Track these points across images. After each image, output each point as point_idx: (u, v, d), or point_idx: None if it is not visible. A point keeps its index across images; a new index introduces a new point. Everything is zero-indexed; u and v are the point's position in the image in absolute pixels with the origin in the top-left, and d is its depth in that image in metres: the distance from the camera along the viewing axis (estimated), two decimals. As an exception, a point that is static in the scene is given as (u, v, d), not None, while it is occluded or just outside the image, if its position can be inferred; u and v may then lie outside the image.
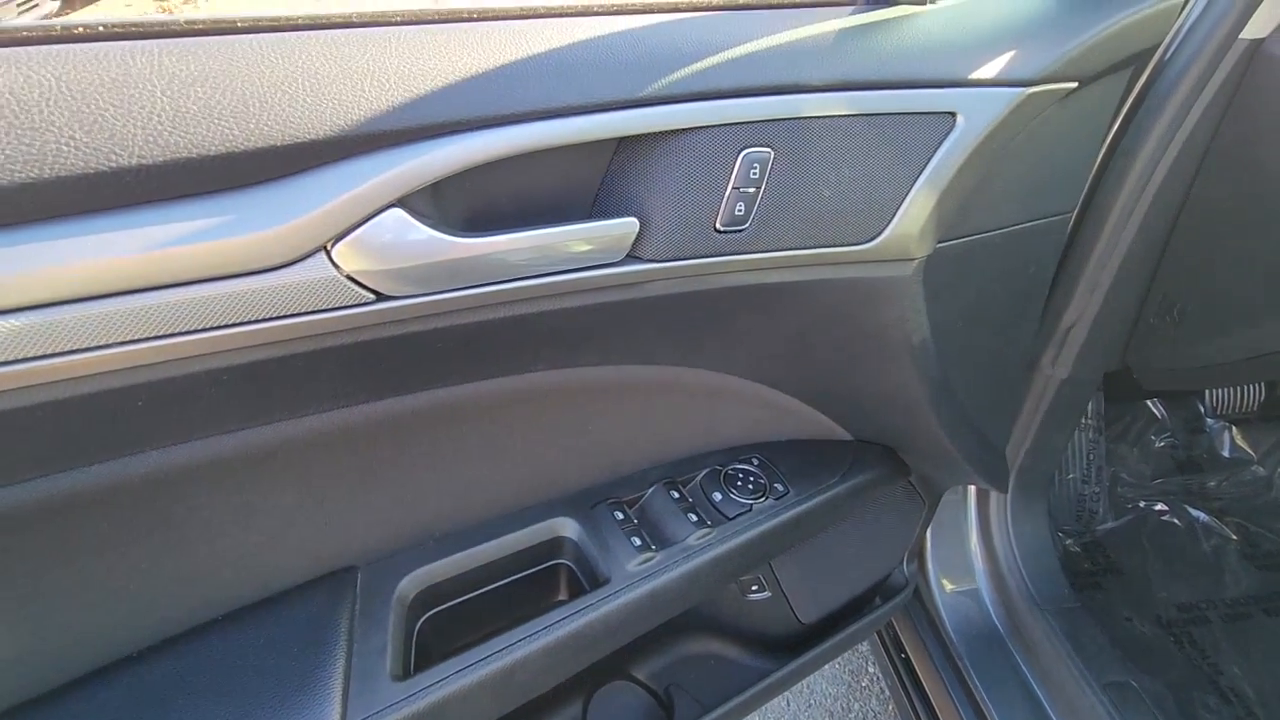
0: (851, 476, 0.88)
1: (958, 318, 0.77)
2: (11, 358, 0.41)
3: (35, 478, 0.48)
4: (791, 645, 0.98)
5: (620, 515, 0.77)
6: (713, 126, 0.56)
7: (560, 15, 0.56)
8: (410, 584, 0.68)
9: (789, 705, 1.40)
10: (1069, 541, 1.34)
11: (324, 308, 0.48)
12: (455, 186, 0.51)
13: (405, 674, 0.62)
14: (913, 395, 0.78)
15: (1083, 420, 1.35)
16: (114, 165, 0.40)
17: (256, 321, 0.46)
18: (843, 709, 1.40)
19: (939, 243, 0.68)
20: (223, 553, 0.60)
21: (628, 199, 0.57)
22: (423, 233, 0.49)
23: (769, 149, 0.58)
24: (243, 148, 0.43)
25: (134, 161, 0.41)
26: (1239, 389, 1.43)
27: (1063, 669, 1.01)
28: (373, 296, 0.49)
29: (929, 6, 0.66)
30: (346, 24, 0.50)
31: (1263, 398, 1.42)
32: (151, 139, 0.41)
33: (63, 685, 0.57)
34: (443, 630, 0.71)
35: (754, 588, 0.96)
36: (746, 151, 0.58)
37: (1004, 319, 0.86)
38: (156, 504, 0.55)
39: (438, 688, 0.61)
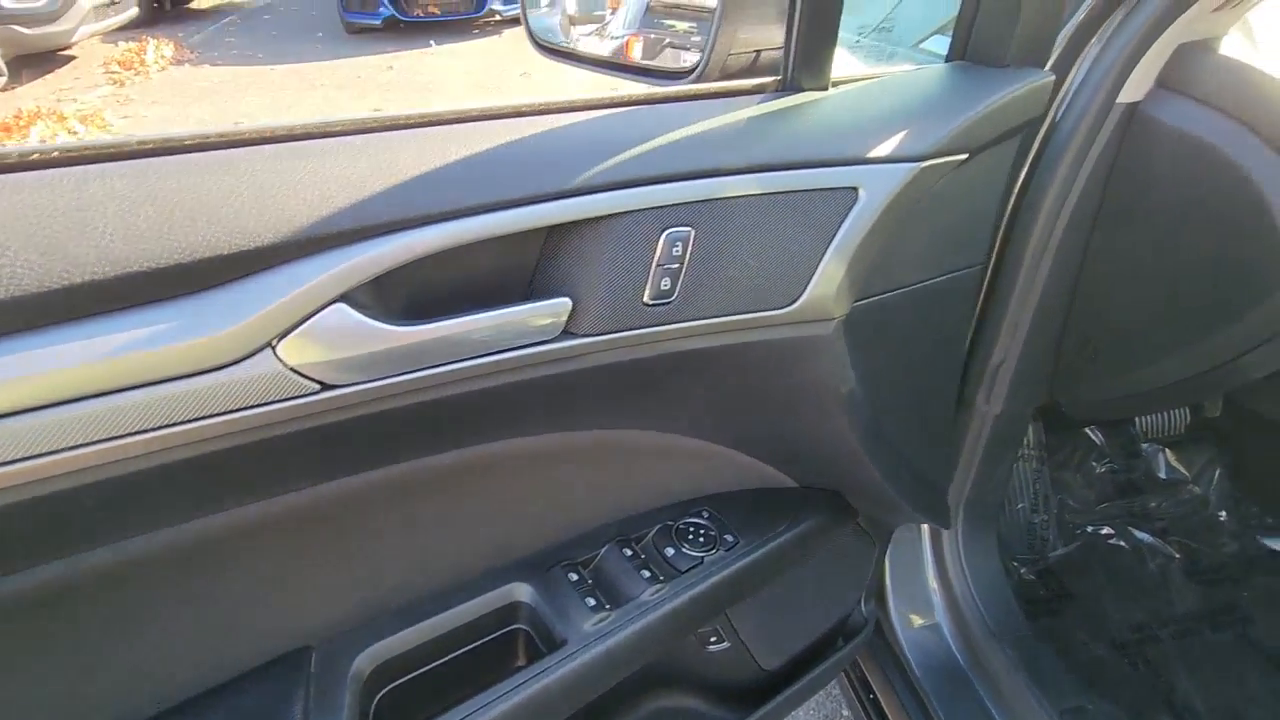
0: (800, 523, 0.91)
1: (884, 366, 0.82)
2: None
3: None
4: (759, 693, 0.99)
5: (575, 576, 0.79)
6: (636, 211, 0.60)
7: (493, 117, 0.61)
8: (366, 660, 0.69)
9: (766, 755, 1.39)
10: (1023, 570, 1.38)
11: (270, 400, 0.50)
12: (395, 279, 0.53)
13: None
14: (848, 442, 0.82)
15: (1025, 451, 1.42)
16: (66, 283, 0.42)
17: (204, 418, 0.48)
18: (819, 755, 1.39)
19: (856, 301, 0.73)
20: (175, 643, 0.60)
21: (560, 280, 0.61)
22: (365, 324, 0.52)
23: (690, 228, 0.63)
24: (191, 258, 0.46)
25: (86, 278, 0.43)
26: (1166, 414, 1.51)
27: (1021, 699, 1.04)
28: (318, 386, 0.51)
29: (830, 92, 0.74)
30: (290, 136, 0.54)
31: (1189, 420, 1.51)
32: (104, 257, 0.43)
33: None
34: (400, 705, 0.71)
35: (712, 639, 0.98)
36: (669, 231, 0.62)
37: (929, 364, 0.92)
38: (106, 598, 0.55)
39: None
